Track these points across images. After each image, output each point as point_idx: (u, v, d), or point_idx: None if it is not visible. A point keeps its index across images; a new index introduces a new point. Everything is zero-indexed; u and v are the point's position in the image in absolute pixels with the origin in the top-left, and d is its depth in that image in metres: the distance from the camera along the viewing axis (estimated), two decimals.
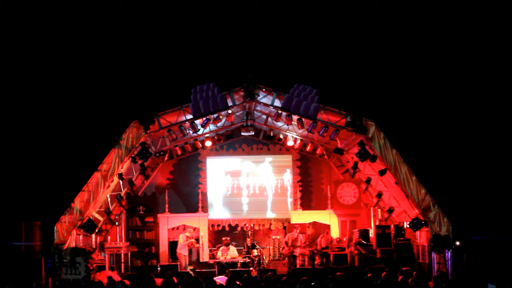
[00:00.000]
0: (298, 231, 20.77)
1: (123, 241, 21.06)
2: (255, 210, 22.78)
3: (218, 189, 22.80)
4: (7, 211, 19.84)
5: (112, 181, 19.56)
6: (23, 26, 22.95)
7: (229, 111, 19.73)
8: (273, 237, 22.25)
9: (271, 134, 21.94)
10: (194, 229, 21.37)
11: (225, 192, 22.79)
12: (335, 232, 21.81)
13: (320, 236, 21.27)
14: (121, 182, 20.20)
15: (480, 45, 23.10)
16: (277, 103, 19.73)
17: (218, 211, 22.72)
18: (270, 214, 22.75)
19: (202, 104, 19.10)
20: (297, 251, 20.45)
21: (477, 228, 19.29)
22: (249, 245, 21.15)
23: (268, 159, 22.91)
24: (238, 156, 22.90)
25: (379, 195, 20.90)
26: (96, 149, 19.72)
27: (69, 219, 18.57)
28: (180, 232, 21.37)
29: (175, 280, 13.36)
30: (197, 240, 20.94)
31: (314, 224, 22.28)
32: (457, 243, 18.65)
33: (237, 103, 19.82)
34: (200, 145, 21.82)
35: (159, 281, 13.53)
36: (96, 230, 19.71)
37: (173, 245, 21.13)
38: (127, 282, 14.09)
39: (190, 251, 20.94)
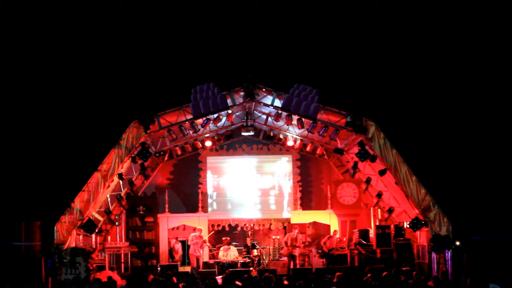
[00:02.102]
0: (297, 231, 20.76)
1: (123, 241, 21.05)
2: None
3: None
4: (7, 211, 19.83)
5: (112, 181, 19.56)
6: (23, 26, 22.95)
7: (229, 111, 19.73)
8: (273, 237, 22.25)
9: (271, 134, 21.94)
10: (194, 229, 21.34)
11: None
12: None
13: (326, 237, 21.22)
14: (121, 182, 20.21)
15: (480, 45, 23.10)
16: (277, 103, 19.73)
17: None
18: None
19: (202, 104, 19.09)
20: (296, 251, 20.44)
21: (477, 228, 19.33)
22: (249, 245, 21.16)
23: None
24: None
25: (379, 195, 20.90)
26: (96, 149, 19.72)
27: (69, 219, 18.57)
28: (180, 232, 21.38)
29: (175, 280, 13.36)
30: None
31: (314, 224, 22.28)
32: (457, 243, 18.65)
33: (237, 103, 19.82)
34: (200, 145, 21.81)
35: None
36: (96, 230, 19.70)
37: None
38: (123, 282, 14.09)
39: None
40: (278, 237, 22.15)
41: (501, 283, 13.08)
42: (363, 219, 22.20)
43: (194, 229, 21.27)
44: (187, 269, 20.17)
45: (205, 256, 21.09)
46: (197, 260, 20.45)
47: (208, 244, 21.03)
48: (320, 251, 20.93)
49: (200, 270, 19.85)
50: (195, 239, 20.48)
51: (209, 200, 22.71)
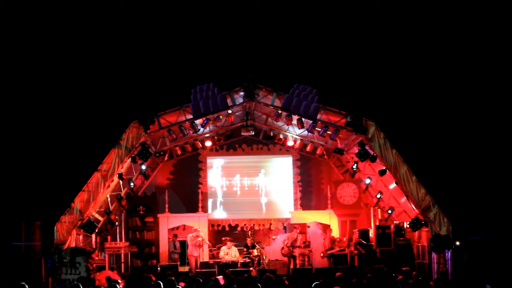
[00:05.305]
0: (298, 231, 20.78)
1: (123, 241, 21.05)
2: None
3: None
4: (7, 211, 19.83)
5: (112, 181, 19.55)
6: (23, 26, 22.95)
7: (229, 111, 19.73)
8: (273, 237, 22.26)
9: (271, 134, 21.94)
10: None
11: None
12: (335, 232, 21.81)
13: (322, 237, 21.26)
14: (121, 182, 20.20)
15: (480, 45, 23.10)
16: (277, 103, 19.73)
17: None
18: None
19: (202, 104, 19.09)
20: (297, 252, 20.46)
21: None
22: (249, 245, 21.17)
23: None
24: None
25: (379, 195, 20.89)
26: (96, 149, 19.71)
27: (69, 219, 18.55)
28: (180, 232, 21.39)
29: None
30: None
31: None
32: (457, 243, 18.65)
33: (237, 103, 19.82)
34: (200, 145, 21.82)
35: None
36: (96, 230, 19.70)
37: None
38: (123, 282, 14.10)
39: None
40: (278, 237, 22.17)
41: (501, 283, 13.09)
42: (363, 219, 22.22)
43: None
44: (187, 269, 20.16)
45: (205, 256, 21.10)
46: (196, 260, 20.47)
47: (207, 242, 21.02)
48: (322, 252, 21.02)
49: (197, 270, 19.79)
50: (193, 239, 20.51)
51: (209, 200, 22.71)
